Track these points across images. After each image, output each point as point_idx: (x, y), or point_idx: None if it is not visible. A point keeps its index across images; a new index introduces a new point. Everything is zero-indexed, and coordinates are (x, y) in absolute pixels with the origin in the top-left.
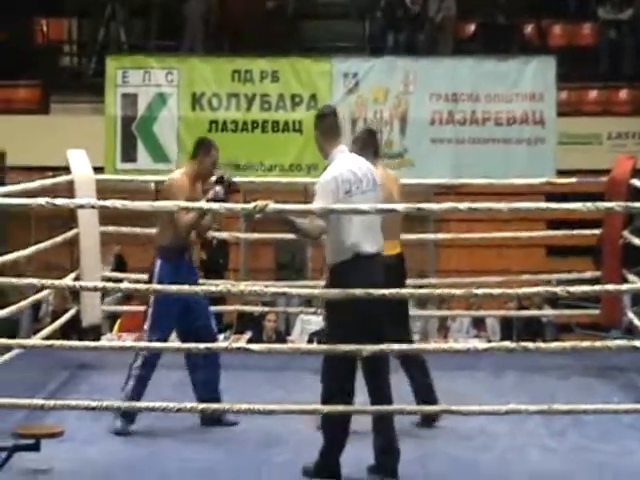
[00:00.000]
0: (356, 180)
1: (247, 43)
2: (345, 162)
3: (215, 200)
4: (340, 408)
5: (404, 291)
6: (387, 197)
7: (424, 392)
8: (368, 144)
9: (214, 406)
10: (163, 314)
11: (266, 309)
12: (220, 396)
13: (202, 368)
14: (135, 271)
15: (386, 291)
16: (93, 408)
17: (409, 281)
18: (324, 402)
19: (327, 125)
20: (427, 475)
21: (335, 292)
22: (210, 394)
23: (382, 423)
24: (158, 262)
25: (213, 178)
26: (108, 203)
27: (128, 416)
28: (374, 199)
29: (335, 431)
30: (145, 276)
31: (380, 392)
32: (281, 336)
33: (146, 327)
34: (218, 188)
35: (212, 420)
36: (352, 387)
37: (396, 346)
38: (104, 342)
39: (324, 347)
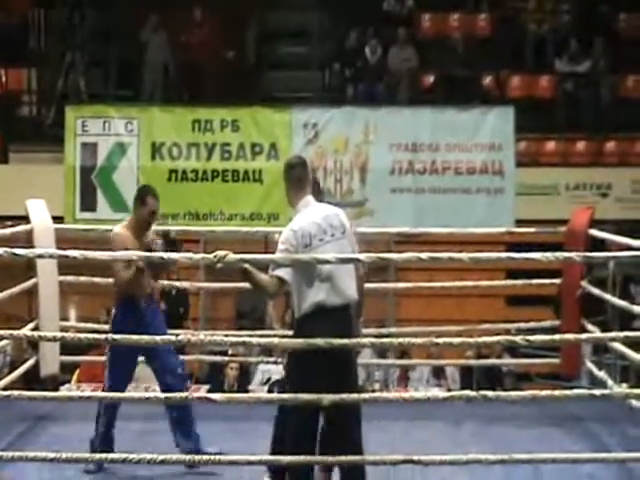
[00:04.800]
0: (318, 232)
1: (207, 93)
2: (308, 215)
3: (149, 251)
4: (302, 459)
5: (365, 340)
6: None
7: None
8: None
9: (175, 457)
10: (117, 361)
11: (226, 358)
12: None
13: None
14: None
15: (346, 341)
16: (51, 460)
17: (369, 330)
18: (279, 453)
19: (294, 176)
20: None
21: (295, 342)
22: (186, 438)
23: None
24: (113, 309)
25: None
26: (67, 253)
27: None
28: (339, 248)
29: None
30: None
31: (343, 446)
32: (242, 385)
33: (105, 374)
34: (158, 241)
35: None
36: (313, 438)
37: (354, 396)
38: (63, 392)
39: (285, 396)
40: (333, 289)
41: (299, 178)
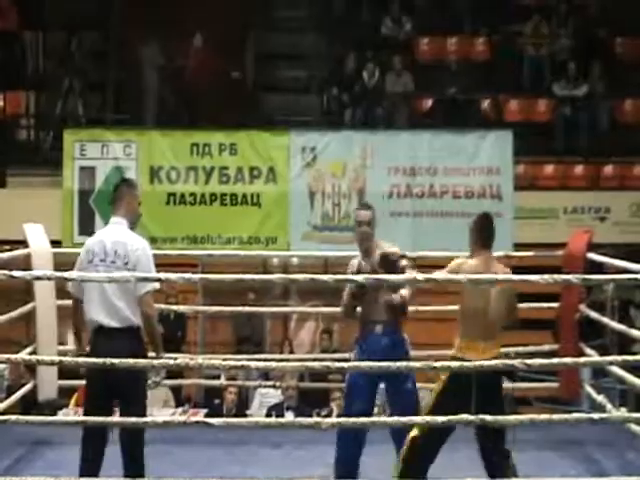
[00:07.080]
0: (101, 252)
1: (205, 116)
2: (102, 233)
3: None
4: None
5: (364, 364)
6: (487, 293)
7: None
8: (475, 230)
9: None
10: (353, 385)
11: (225, 382)
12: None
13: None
14: None
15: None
16: None
17: None
18: None
19: (113, 195)
20: None
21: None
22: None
23: None
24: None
25: None
26: (65, 274)
27: None
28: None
29: None
30: None
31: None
32: (241, 410)
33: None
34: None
35: None
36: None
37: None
38: (60, 417)
39: (282, 420)
40: (109, 311)
41: (115, 198)
